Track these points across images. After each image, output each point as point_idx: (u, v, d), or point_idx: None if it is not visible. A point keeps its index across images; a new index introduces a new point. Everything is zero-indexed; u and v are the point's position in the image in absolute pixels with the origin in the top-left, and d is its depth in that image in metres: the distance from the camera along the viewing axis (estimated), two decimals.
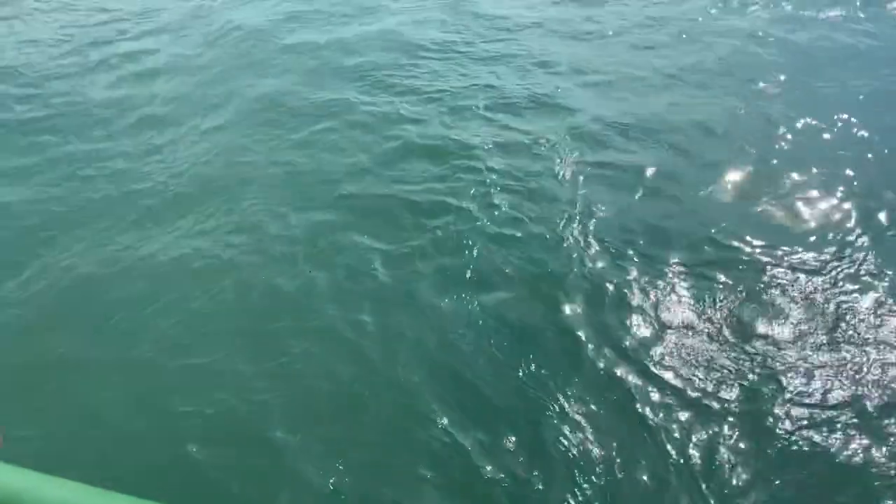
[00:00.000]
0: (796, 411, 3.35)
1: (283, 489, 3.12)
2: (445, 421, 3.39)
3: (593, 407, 3.44)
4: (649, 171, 5.08)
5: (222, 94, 6.70)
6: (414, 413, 3.44)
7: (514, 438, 3.30)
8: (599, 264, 4.26)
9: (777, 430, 3.28)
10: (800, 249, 4.28)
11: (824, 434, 3.24)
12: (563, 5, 8.33)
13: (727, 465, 3.15)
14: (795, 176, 4.93)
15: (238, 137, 5.92)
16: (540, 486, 3.10)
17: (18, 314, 4.18)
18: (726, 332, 3.78)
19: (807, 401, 3.40)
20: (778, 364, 3.58)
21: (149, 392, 3.63)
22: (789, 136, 5.41)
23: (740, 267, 4.20)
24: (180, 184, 5.34)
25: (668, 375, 3.56)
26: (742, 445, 3.23)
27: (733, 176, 4.99)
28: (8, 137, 6.11)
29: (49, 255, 4.63)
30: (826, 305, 3.89)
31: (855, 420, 3.28)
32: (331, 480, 3.15)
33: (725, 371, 3.56)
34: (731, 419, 3.34)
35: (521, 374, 3.61)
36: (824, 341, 3.69)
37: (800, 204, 4.68)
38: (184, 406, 3.53)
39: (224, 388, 3.62)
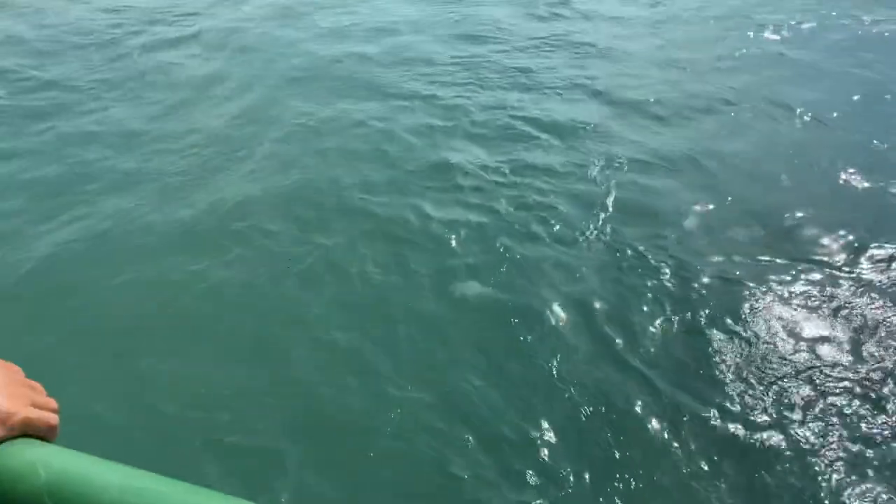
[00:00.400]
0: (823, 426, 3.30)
1: (284, 495, 3.09)
2: (452, 434, 3.35)
3: (613, 420, 3.40)
4: (677, 194, 5.04)
5: (261, 73, 6.73)
6: (419, 425, 3.41)
7: (516, 450, 3.26)
8: (617, 286, 4.22)
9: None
10: (845, 267, 4.25)
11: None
12: (594, 21, 8.28)
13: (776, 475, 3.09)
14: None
15: (271, 114, 6.00)
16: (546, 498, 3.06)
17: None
18: (787, 349, 3.74)
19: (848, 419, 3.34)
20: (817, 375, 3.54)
21: (145, 395, 3.60)
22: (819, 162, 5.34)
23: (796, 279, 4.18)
24: (188, 187, 5.34)
25: (701, 387, 3.53)
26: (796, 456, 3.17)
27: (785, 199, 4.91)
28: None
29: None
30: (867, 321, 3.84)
31: None
32: (331, 491, 3.11)
33: (774, 384, 3.52)
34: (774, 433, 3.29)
35: (525, 390, 3.58)
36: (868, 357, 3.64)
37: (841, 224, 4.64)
38: (180, 412, 3.49)
39: (221, 395, 3.59)
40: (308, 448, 3.30)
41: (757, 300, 4.00)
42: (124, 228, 4.80)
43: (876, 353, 3.64)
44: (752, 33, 7.22)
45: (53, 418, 0.71)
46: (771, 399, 3.43)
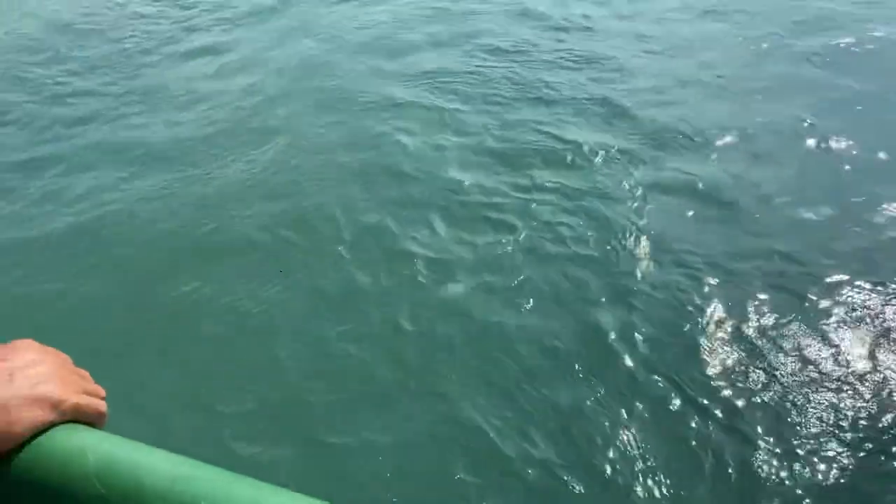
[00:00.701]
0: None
1: (320, 482, 3.16)
2: (485, 428, 3.39)
3: (644, 425, 3.39)
4: (710, 189, 4.99)
5: (288, 88, 6.76)
6: (451, 418, 3.45)
7: (552, 450, 3.27)
8: (654, 283, 4.19)
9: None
10: (870, 275, 4.18)
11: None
12: (632, 20, 8.14)
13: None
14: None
15: (296, 133, 5.99)
16: (580, 492, 3.08)
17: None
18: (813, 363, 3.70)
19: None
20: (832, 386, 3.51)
21: (190, 385, 3.70)
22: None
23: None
24: (229, 173, 5.43)
25: (727, 398, 3.50)
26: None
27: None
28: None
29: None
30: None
31: None
32: (367, 479, 3.18)
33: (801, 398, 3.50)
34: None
35: (563, 390, 3.58)
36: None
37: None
38: (225, 401, 3.59)
39: (265, 384, 3.68)
40: (314, 456, 3.35)
41: (785, 325, 3.92)
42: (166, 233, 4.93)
43: None
44: (789, 56, 6.87)
45: (102, 405, 0.73)
46: (812, 429, 3.39)
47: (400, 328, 3.97)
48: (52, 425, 0.69)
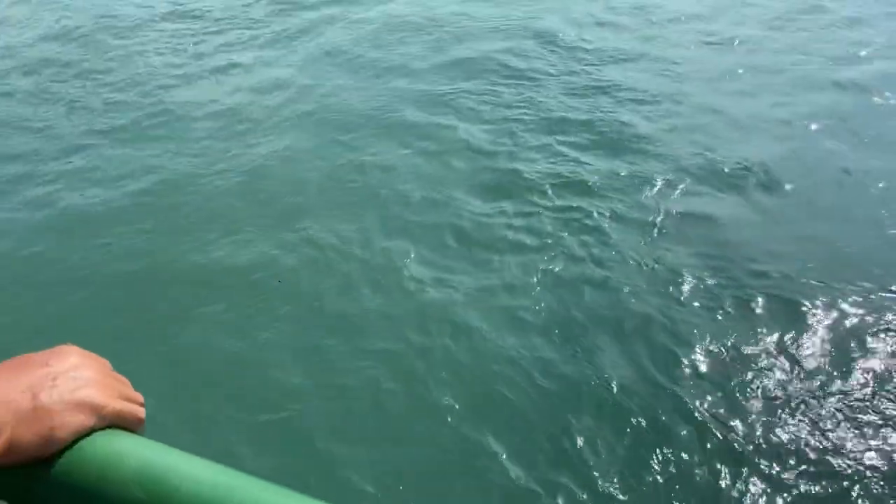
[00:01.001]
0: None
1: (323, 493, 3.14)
2: (490, 448, 3.38)
3: (647, 447, 3.37)
4: (727, 216, 4.94)
5: (305, 108, 6.73)
6: (454, 433, 3.46)
7: (556, 471, 3.26)
8: (665, 308, 4.16)
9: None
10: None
11: None
12: (656, 43, 7.92)
13: None
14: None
15: (311, 152, 5.98)
16: None
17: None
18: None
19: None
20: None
21: (194, 393, 3.73)
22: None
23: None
24: (241, 192, 5.46)
25: (743, 416, 3.46)
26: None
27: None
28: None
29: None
30: None
31: None
32: (373, 488, 3.19)
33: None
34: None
35: (568, 410, 3.57)
36: None
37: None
38: (234, 413, 3.61)
39: (273, 396, 3.70)
40: (344, 447, 3.40)
41: (811, 334, 3.88)
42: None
43: None
44: (837, 82, 6.69)
45: (141, 411, 0.74)
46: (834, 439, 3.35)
47: (409, 343, 3.99)
48: (92, 430, 0.70)
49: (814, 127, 6.00)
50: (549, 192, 5.20)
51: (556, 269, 4.48)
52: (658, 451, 3.31)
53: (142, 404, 0.76)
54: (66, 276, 4.61)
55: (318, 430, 3.49)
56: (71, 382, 0.70)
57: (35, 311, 4.31)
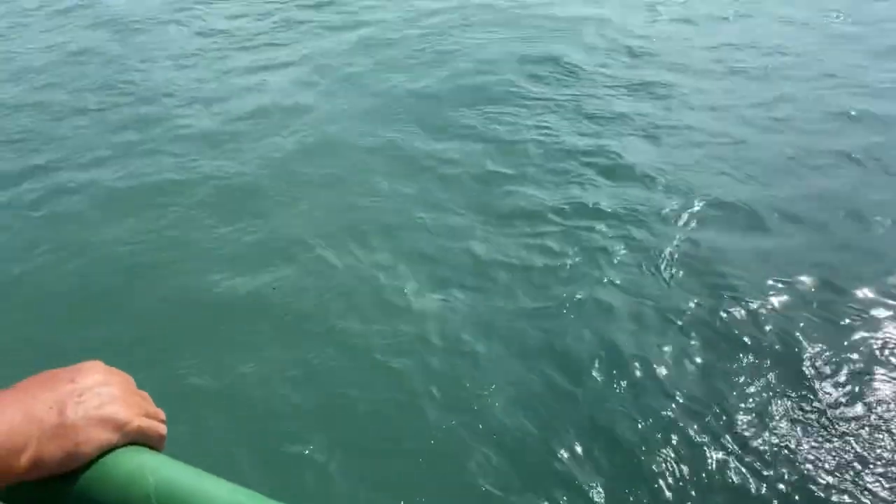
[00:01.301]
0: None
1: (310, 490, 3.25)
2: (507, 439, 3.50)
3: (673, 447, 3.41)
4: (754, 217, 5.05)
5: (314, 131, 6.73)
6: (476, 428, 3.56)
7: (577, 466, 3.34)
8: (686, 311, 4.24)
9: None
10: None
11: None
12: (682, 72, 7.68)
13: None
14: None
15: (318, 173, 5.99)
16: None
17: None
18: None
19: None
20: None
21: (225, 391, 3.83)
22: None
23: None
24: (242, 211, 5.48)
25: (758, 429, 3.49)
26: None
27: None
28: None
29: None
30: None
31: None
32: (396, 482, 3.31)
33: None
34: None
35: (588, 406, 3.67)
36: None
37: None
38: (234, 429, 3.64)
39: (274, 414, 3.74)
40: (344, 459, 3.46)
41: (820, 356, 3.89)
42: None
43: None
44: (866, 96, 6.66)
45: (163, 428, 0.75)
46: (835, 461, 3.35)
47: (429, 342, 4.09)
48: (115, 446, 0.71)
49: (837, 161, 5.84)
50: (555, 217, 5.20)
51: (557, 293, 4.48)
52: (652, 474, 3.32)
53: (163, 421, 0.77)
54: (58, 292, 4.65)
55: (319, 446, 3.50)
56: (96, 399, 0.71)
57: (28, 329, 4.34)
